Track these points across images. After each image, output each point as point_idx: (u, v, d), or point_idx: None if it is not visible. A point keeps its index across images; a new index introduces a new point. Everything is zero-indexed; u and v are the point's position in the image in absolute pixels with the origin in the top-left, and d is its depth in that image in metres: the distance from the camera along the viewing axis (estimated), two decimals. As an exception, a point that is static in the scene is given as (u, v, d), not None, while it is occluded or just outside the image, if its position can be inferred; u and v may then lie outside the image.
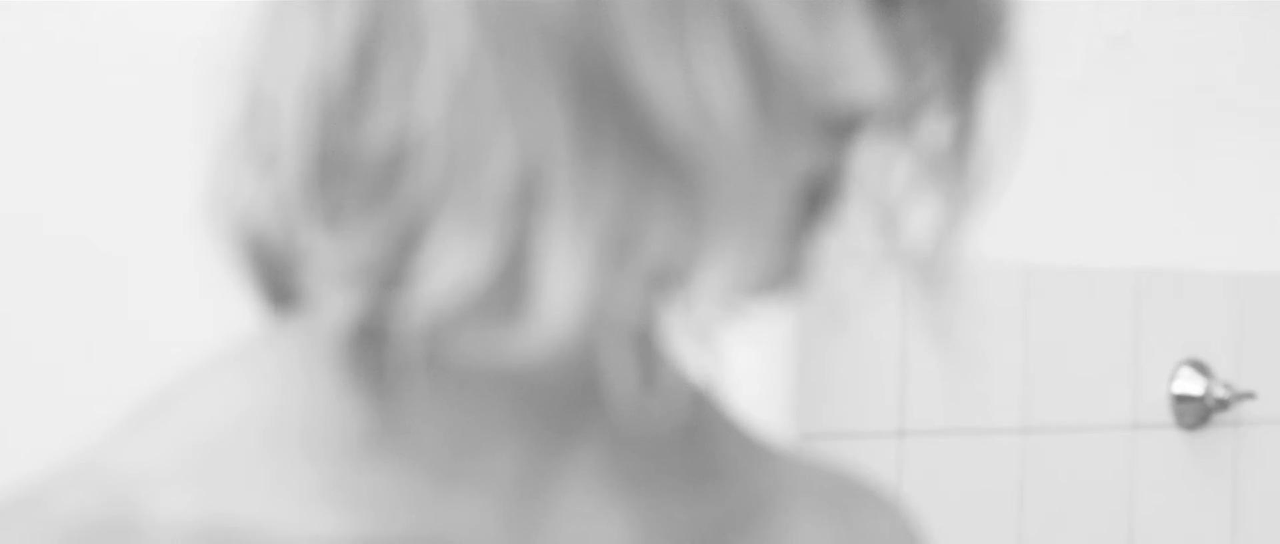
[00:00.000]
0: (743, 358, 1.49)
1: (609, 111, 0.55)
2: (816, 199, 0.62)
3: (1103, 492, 2.06)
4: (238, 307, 1.47)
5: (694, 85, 0.54)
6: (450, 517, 0.62)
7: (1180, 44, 2.09)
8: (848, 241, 0.69)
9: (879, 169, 0.68)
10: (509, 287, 0.58)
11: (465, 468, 0.63)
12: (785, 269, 0.61)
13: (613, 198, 0.55)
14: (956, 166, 0.66)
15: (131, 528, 0.58)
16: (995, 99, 0.66)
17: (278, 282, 0.64)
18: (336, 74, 0.58)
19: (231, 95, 0.62)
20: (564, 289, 0.55)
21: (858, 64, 0.58)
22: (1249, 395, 2.11)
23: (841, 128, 0.60)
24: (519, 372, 0.62)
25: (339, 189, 0.59)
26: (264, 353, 0.64)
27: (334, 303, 0.59)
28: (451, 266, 0.56)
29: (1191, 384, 2.12)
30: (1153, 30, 2.07)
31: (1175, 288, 2.11)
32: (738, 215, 0.55)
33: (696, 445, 0.70)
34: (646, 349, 0.57)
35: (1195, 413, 2.12)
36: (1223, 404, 2.10)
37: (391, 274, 0.59)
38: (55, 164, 1.44)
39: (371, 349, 0.62)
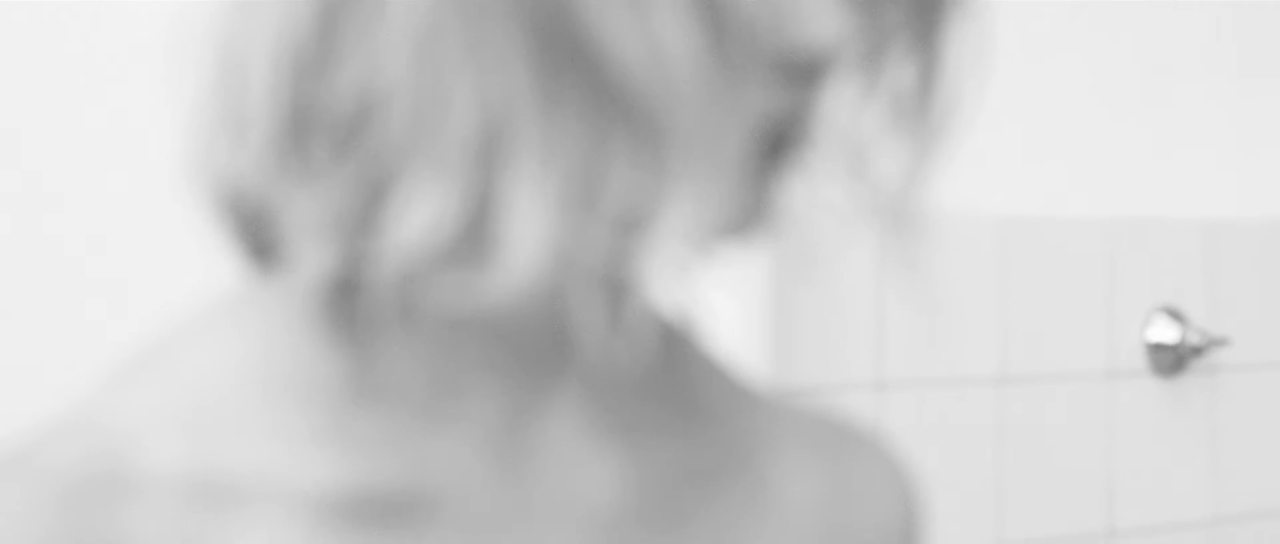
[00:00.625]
0: (718, 310, 1.50)
1: (568, 61, 0.56)
2: (780, 143, 0.63)
3: (1080, 440, 2.07)
4: (222, 264, 1.48)
5: (650, 33, 0.55)
6: (436, 460, 0.63)
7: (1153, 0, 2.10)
8: (819, 189, 0.70)
9: (846, 114, 0.69)
10: (477, 234, 0.59)
11: (447, 413, 0.64)
12: (749, 213, 0.62)
13: (575, 145, 0.56)
14: (921, 110, 0.67)
15: (124, 480, 0.60)
16: (958, 42, 0.67)
17: (258, 239, 0.65)
18: (303, 33, 0.59)
19: (204, 60, 0.64)
20: (529, 235, 0.56)
21: (813, 8, 0.59)
22: (1223, 341, 2.12)
23: (801, 72, 0.61)
24: (494, 317, 0.63)
25: (310, 145, 0.60)
26: (248, 306, 0.65)
27: (310, 256, 0.61)
28: (419, 216, 0.57)
29: (1166, 331, 2.13)
30: (1120, -19, 2.08)
31: (1148, 236, 2.13)
32: (697, 160, 0.56)
33: (680, 390, 0.71)
34: (617, 293, 0.58)
35: (1170, 360, 2.14)
36: (1197, 351, 2.12)
37: (364, 226, 0.60)
38: (37, 133, 1.45)
39: (351, 299, 0.63)
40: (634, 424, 0.68)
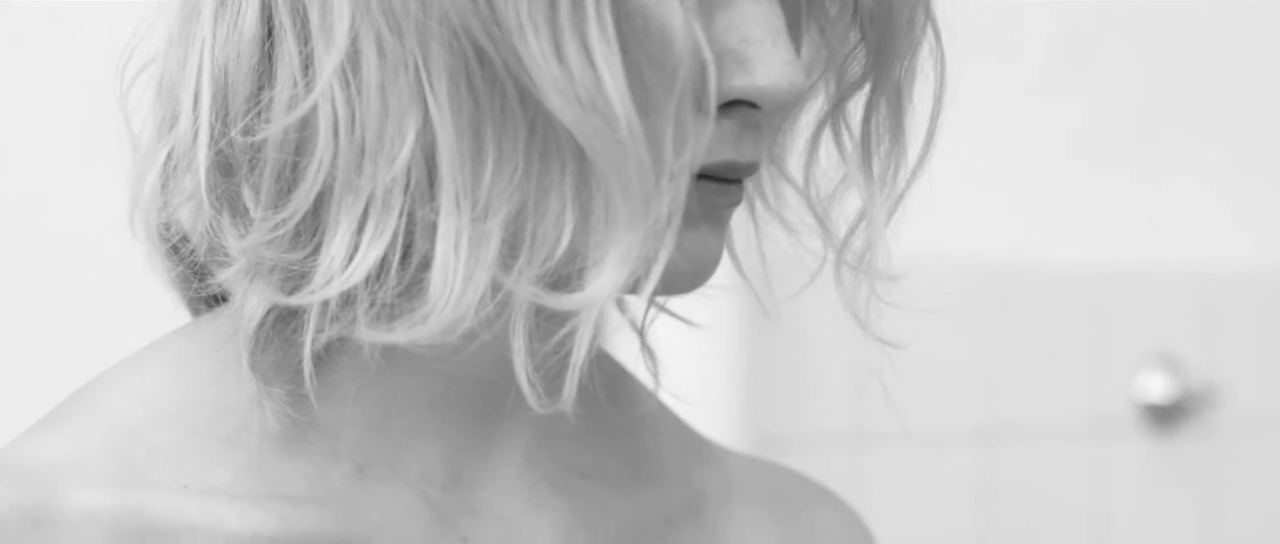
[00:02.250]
0: (686, 358, 1.49)
1: (501, 105, 0.56)
2: (731, 185, 0.62)
3: (1068, 493, 2.06)
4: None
5: (583, 77, 0.55)
6: (370, 512, 0.62)
7: (1141, 42, 2.10)
8: (786, 237, 0.69)
9: (807, 164, 0.68)
10: (409, 274, 0.59)
11: (386, 461, 0.63)
12: (697, 260, 0.60)
13: (509, 192, 0.56)
14: (883, 156, 0.66)
15: (47, 522, 0.59)
16: (921, 91, 0.66)
17: (195, 279, 0.65)
18: (236, 76, 0.60)
19: (148, 102, 0.64)
20: (458, 279, 0.56)
21: (757, 54, 0.58)
22: (1216, 396, 2.12)
23: (752, 115, 0.60)
24: (434, 360, 0.62)
25: (242, 188, 0.61)
26: (182, 346, 0.64)
27: (244, 297, 0.60)
28: (351, 256, 0.57)
29: (1157, 386, 2.12)
30: (1114, 28, 2.08)
31: (1139, 287, 2.12)
32: (632, 206, 0.55)
33: (634, 443, 0.70)
34: (558, 337, 0.57)
35: (1161, 415, 2.13)
36: (1189, 406, 2.11)
37: (299, 268, 0.60)
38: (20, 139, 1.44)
39: (287, 342, 0.62)
40: (580, 475, 0.67)
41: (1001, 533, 2.03)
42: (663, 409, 0.72)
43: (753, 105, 0.59)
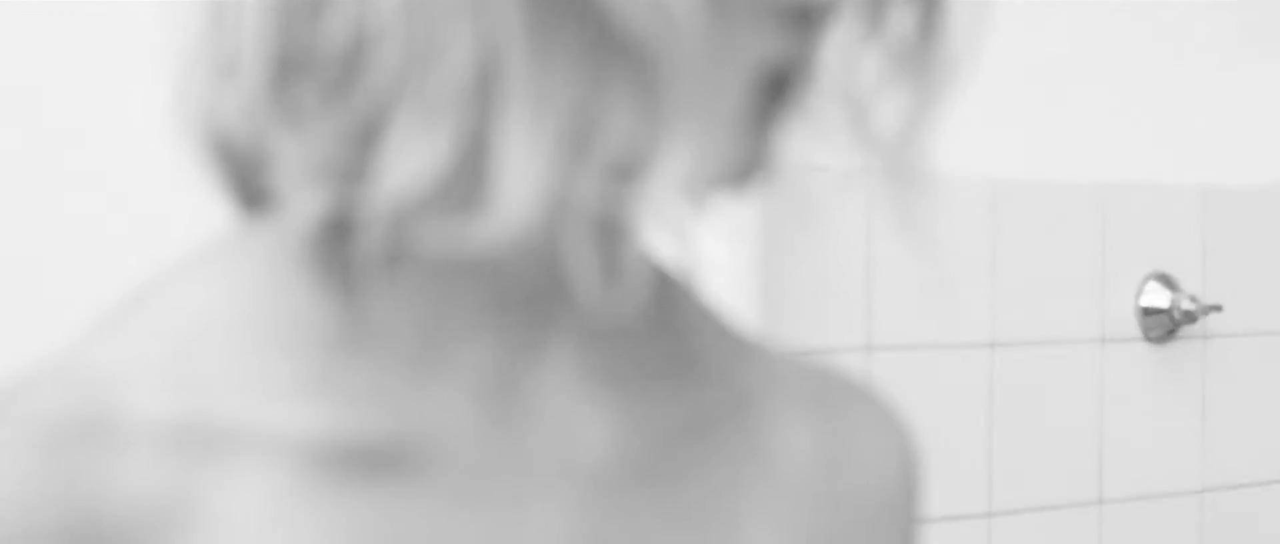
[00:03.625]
0: (707, 270, 1.49)
1: (564, 4, 0.55)
2: (779, 92, 0.62)
3: (1072, 405, 2.07)
4: (213, 208, 1.47)
5: None
6: (426, 410, 0.63)
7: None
8: (816, 142, 0.70)
9: (846, 63, 0.68)
10: (469, 179, 0.59)
11: (438, 362, 0.63)
12: (746, 162, 0.61)
13: (570, 90, 0.56)
14: (922, 60, 0.66)
15: (108, 426, 0.59)
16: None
17: (248, 183, 0.65)
18: None
19: (194, 3, 0.63)
20: (522, 180, 0.56)
21: None
22: (1215, 308, 2.12)
23: (800, 19, 0.60)
24: (486, 265, 0.63)
25: (300, 89, 0.60)
26: (236, 252, 0.64)
27: (300, 201, 0.60)
28: (411, 160, 0.57)
29: (1158, 297, 2.13)
30: (1117, -56, 2.07)
31: (1141, 201, 2.12)
32: (695, 106, 0.56)
33: (676, 341, 0.70)
34: (612, 241, 0.57)
35: (1162, 326, 2.13)
36: (1189, 317, 2.11)
37: (355, 170, 0.60)
38: (38, 85, 1.44)
39: (341, 245, 0.62)
40: (628, 375, 0.68)
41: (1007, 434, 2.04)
42: (704, 308, 0.73)
43: (809, 7, 0.59)
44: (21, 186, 1.45)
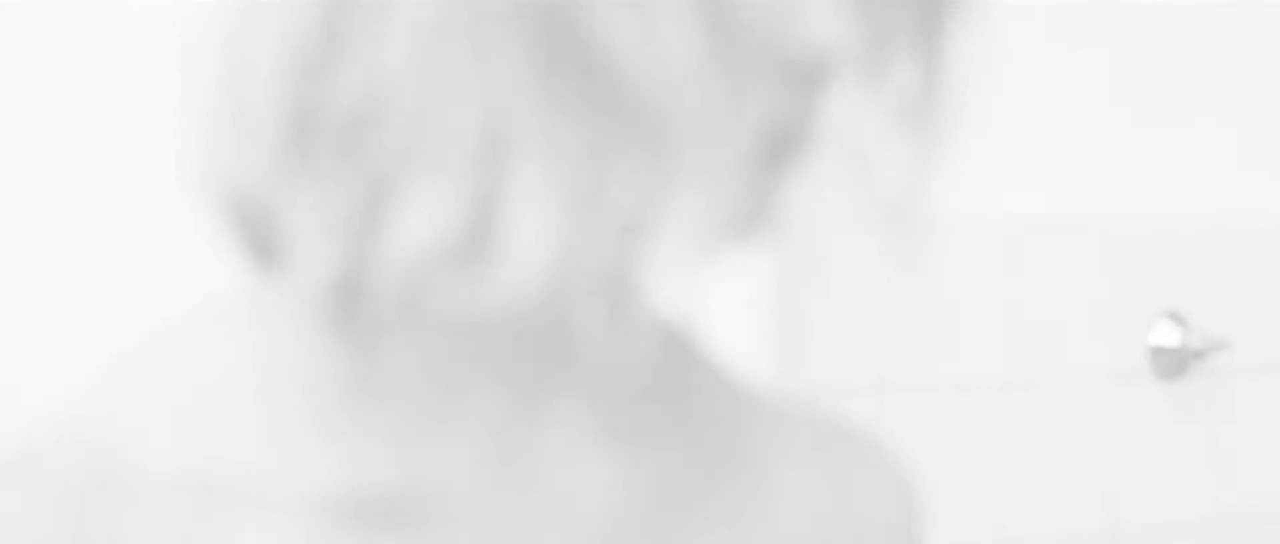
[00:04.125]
0: (720, 312, 1.50)
1: (572, 63, 0.56)
2: (784, 145, 0.63)
3: (1083, 443, 2.07)
4: (226, 264, 1.48)
5: (654, 35, 0.55)
6: (438, 462, 0.63)
7: (1158, 3, 2.10)
8: (822, 191, 0.70)
9: (848, 115, 0.68)
10: (480, 236, 0.59)
11: (449, 414, 0.64)
12: (752, 215, 0.62)
13: (578, 148, 0.56)
14: (924, 112, 0.66)
15: (124, 482, 0.59)
16: (962, 43, 0.67)
17: (262, 240, 0.65)
18: (308, 34, 0.59)
19: (210, 60, 0.64)
20: (533, 238, 0.56)
21: (816, 9, 0.59)
22: (1224, 345, 2.12)
23: (804, 74, 0.61)
24: (496, 320, 0.63)
25: (314, 147, 0.60)
26: (249, 306, 0.65)
27: (313, 257, 0.60)
28: (422, 218, 0.57)
29: (1169, 335, 2.13)
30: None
31: (1151, 240, 2.13)
32: (700, 161, 0.56)
33: (681, 393, 0.70)
34: (620, 296, 0.58)
35: (1173, 363, 2.13)
36: (1199, 354, 2.11)
37: (367, 227, 0.60)
38: (46, 132, 1.45)
39: (353, 301, 0.63)
40: (635, 428, 0.68)
41: (1023, 476, 2.04)
42: (710, 361, 0.73)
43: (813, 61, 0.60)
44: (13, 187, 1.45)
